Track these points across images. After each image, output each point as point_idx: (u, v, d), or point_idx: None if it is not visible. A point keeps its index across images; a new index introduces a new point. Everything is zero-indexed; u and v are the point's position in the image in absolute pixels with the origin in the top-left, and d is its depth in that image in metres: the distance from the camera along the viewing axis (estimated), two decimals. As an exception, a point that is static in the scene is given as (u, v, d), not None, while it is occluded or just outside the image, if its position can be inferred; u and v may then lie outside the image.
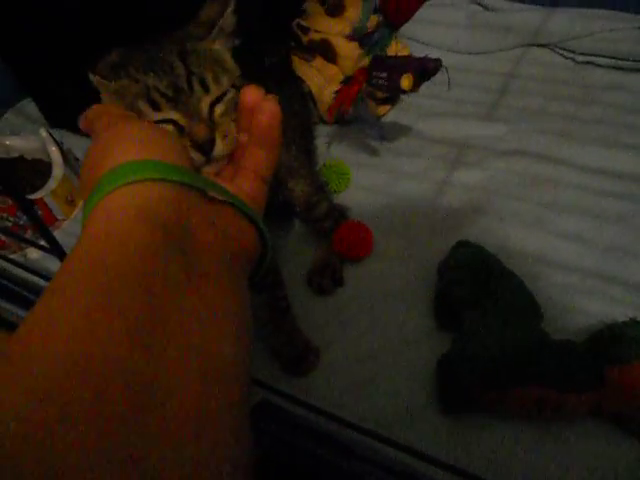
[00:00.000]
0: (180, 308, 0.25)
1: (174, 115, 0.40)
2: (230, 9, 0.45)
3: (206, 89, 0.40)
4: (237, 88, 0.42)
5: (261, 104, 0.37)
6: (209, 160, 0.39)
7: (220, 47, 0.44)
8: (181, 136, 0.39)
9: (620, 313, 0.59)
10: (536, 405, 0.54)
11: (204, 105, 0.40)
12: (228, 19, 0.45)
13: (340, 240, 0.74)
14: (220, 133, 0.39)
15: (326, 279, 0.72)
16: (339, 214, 0.79)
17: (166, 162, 0.30)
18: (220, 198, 0.32)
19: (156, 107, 0.39)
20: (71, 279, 0.25)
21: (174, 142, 0.33)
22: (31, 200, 0.76)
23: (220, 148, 0.39)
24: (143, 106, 0.39)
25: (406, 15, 0.74)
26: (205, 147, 0.39)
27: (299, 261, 0.77)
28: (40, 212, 0.83)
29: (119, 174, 0.29)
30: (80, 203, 0.90)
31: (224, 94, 0.41)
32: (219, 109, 0.41)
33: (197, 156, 0.39)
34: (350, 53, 0.95)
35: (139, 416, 0.20)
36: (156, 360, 0.22)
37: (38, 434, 0.19)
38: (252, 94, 0.37)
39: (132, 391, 0.21)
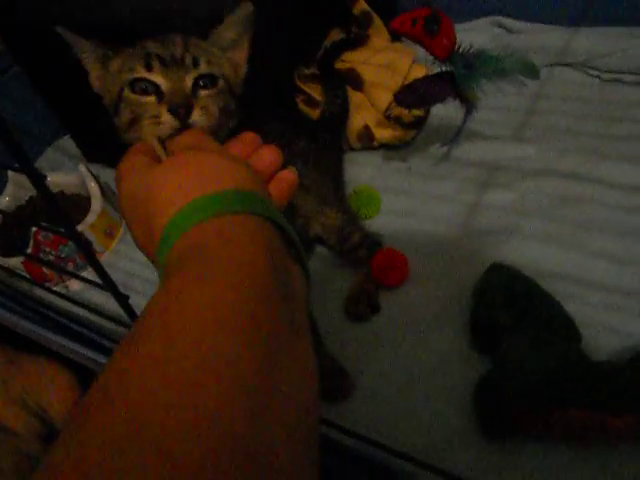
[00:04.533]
0: (283, 365, 0.23)
1: (160, 79, 0.44)
2: (229, 21, 0.50)
3: (196, 64, 0.45)
4: (231, 93, 0.48)
5: (282, 174, 0.39)
6: (185, 125, 0.43)
7: (219, 52, 0.50)
8: (159, 103, 0.43)
9: (662, 333, 0.58)
10: (580, 429, 0.53)
11: (189, 78, 0.45)
12: (225, 31, 0.50)
13: (377, 269, 0.74)
14: (199, 105, 0.44)
15: (362, 306, 0.73)
16: (373, 242, 0.79)
17: (263, 196, 0.29)
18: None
19: (149, 68, 0.44)
20: (184, 318, 0.22)
21: (255, 174, 0.33)
22: (80, 233, 0.79)
23: (197, 115, 0.43)
24: (137, 66, 0.45)
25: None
26: (180, 112, 0.42)
27: (333, 288, 0.78)
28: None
29: (218, 201, 0.27)
30: (119, 235, 0.93)
31: (214, 78, 0.46)
32: (204, 92, 0.45)
33: (170, 119, 0.42)
34: (376, 80, 0.96)
35: None
36: (263, 424, 0.20)
37: None
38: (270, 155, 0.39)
39: (239, 459, 0.19)
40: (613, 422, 0.52)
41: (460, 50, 0.76)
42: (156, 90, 0.44)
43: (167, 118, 0.42)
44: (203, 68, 0.45)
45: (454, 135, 0.87)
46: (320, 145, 0.87)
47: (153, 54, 0.45)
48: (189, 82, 0.45)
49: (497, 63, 0.77)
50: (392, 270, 0.74)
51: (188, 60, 0.45)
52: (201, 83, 0.45)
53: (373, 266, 0.75)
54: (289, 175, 0.39)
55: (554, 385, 0.54)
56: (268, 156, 0.38)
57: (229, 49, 0.51)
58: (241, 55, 0.52)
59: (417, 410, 0.63)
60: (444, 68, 0.78)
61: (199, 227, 0.26)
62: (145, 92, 0.45)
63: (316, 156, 0.83)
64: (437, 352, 0.67)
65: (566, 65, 1.04)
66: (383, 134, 0.96)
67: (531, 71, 0.79)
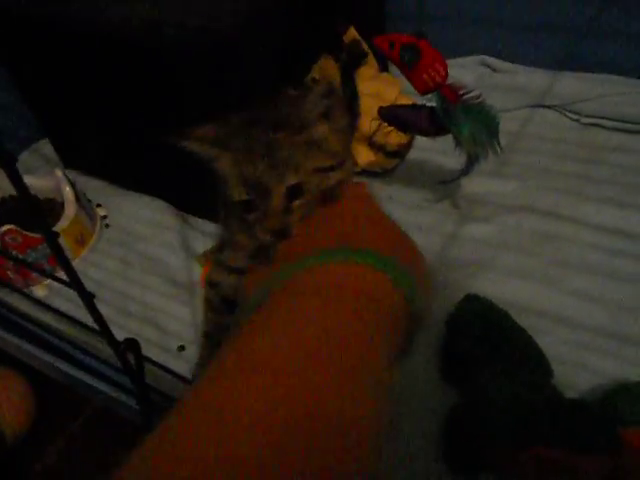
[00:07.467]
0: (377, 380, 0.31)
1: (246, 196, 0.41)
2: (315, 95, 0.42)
3: (280, 179, 0.40)
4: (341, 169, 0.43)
5: None
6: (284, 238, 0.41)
7: (323, 130, 0.43)
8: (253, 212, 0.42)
9: (633, 373, 0.58)
10: (549, 468, 0.52)
11: (277, 198, 0.40)
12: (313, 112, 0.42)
13: None
14: (295, 218, 0.41)
15: None
16: None
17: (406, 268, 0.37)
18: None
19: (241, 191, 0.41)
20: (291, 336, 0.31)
21: (412, 245, 0.43)
22: (57, 233, 0.78)
23: (294, 228, 0.40)
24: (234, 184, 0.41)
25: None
26: (277, 234, 0.40)
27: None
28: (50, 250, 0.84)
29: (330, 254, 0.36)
30: (90, 242, 0.90)
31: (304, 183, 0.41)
32: (298, 202, 0.41)
33: (268, 237, 0.40)
34: (363, 108, 0.97)
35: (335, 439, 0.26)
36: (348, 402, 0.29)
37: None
38: None
39: (329, 427, 0.26)
40: (582, 461, 0.51)
41: (464, 96, 0.76)
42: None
43: (264, 234, 0.41)
44: (290, 180, 0.40)
45: (449, 181, 0.87)
46: None
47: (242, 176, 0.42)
48: (278, 202, 0.40)
49: (489, 120, 0.77)
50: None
51: (274, 184, 0.41)
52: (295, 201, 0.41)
53: None
54: None
55: (524, 423, 0.53)
56: None
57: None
58: None
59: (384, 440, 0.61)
60: (433, 103, 0.78)
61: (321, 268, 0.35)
62: None
63: None
64: (408, 379, 0.66)
65: (547, 107, 1.06)
66: (365, 160, 0.96)
67: (498, 142, 0.80)
